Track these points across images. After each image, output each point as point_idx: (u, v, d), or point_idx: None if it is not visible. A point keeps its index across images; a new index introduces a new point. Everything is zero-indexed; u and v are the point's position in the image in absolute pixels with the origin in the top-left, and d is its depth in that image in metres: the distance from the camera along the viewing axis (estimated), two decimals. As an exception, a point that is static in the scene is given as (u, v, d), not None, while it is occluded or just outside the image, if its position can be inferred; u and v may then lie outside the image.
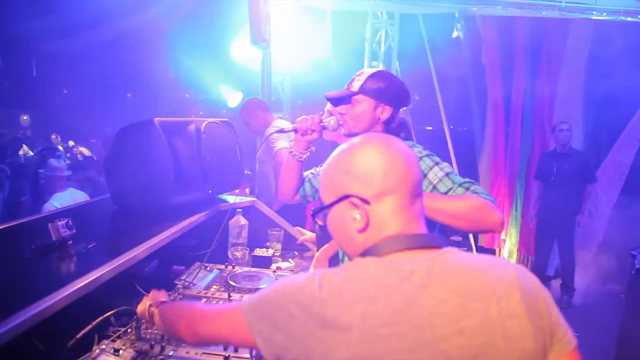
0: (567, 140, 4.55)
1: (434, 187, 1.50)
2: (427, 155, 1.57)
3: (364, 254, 0.86)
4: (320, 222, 0.96)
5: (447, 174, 1.49)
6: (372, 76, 1.64)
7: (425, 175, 1.51)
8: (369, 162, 0.88)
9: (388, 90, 1.62)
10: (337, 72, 6.29)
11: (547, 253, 4.71)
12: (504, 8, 4.12)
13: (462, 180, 1.48)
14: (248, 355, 1.22)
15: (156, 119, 1.96)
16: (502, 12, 4.21)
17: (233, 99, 6.77)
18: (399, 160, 0.88)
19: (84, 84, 11.62)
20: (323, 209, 0.93)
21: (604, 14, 4.09)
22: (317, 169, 1.94)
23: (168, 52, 10.48)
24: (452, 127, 6.01)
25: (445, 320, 0.74)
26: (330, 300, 0.76)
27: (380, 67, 5.44)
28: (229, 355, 1.20)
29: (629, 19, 4.12)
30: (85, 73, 11.24)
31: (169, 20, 9.08)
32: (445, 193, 1.47)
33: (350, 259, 0.91)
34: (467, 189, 1.45)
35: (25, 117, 12.91)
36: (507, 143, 5.53)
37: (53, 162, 3.81)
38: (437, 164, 1.52)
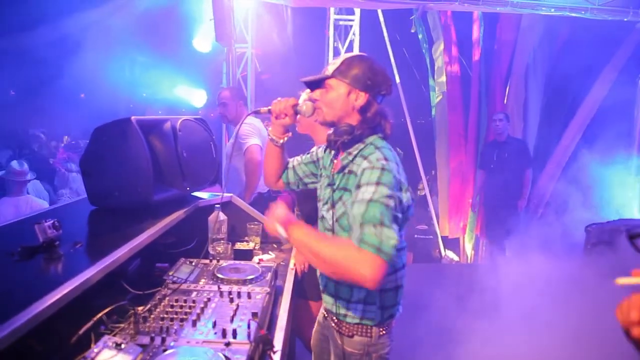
0: (502, 129, 4.90)
1: (352, 203, 1.42)
2: (380, 169, 1.41)
3: None
4: None
5: (370, 201, 1.35)
6: (349, 60, 1.55)
7: (359, 185, 1.41)
8: None
9: (364, 75, 1.51)
10: (300, 67, 6.33)
11: (500, 237, 4.96)
12: (460, 4, 4.29)
13: (372, 218, 1.32)
14: (247, 341, 1.27)
15: (133, 117, 1.95)
16: (458, 7, 4.39)
17: (197, 98, 6.70)
18: None
19: (32, 85, 11.09)
20: None
21: (552, 9, 4.35)
22: (302, 157, 1.89)
23: (122, 49, 10.18)
24: (410, 119, 6.22)
25: None
26: None
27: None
28: (229, 342, 1.24)
29: (573, 14, 4.40)
30: (34, 73, 10.74)
31: (123, 17, 8.82)
32: (351, 216, 1.41)
33: None
34: (362, 226, 1.33)
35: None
36: (466, 134, 5.77)
37: (15, 165, 3.67)
38: (377, 184, 1.38)
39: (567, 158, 5.42)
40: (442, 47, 5.70)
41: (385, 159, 1.45)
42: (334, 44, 5.55)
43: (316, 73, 1.63)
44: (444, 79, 5.74)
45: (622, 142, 5.09)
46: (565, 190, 4.97)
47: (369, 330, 1.57)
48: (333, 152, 1.66)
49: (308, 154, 1.87)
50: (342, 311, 1.58)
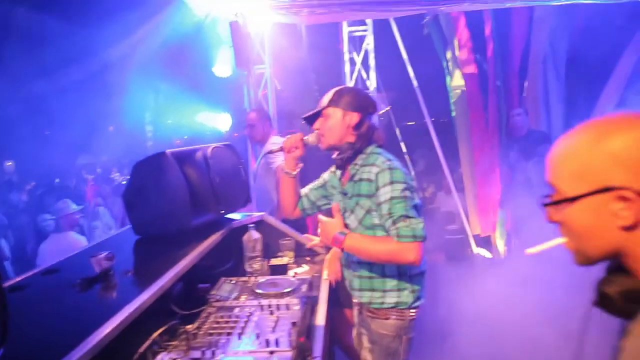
0: (521, 124, 4.92)
1: (378, 205, 1.74)
2: (388, 169, 1.74)
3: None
4: (548, 218, 0.85)
5: (391, 199, 1.69)
6: (338, 91, 1.90)
7: (377, 188, 1.73)
8: None
9: (353, 99, 1.86)
10: (318, 81, 6.49)
11: (531, 229, 4.92)
12: (470, 3, 4.35)
13: (399, 213, 1.67)
14: (289, 348, 1.38)
15: (168, 150, 2.12)
16: (469, 7, 4.44)
17: (221, 121, 6.94)
18: None
19: (63, 123, 11.60)
20: (564, 200, 0.80)
21: (564, -2, 4.35)
22: (312, 184, 2.17)
23: (145, 80, 10.59)
24: (433, 119, 6.26)
25: None
26: None
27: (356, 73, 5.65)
28: (272, 350, 1.36)
29: (588, 1, 4.37)
30: (64, 112, 11.25)
31: (144, 49, 9.19)
32: (380, 216, 1.74)
33: (583, 257, 0.83)
34: (394, 223, 1.67)
35: (9, 163, 12.71)
36: (488, 130, 5.76)
37: (61, 204, 3.96)
38: (391, 183, 1.71)
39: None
40: (456, 46, 5.74)
41: (389, 160, 1.80)
42: (349, 55, 5.68)
43: (334, 85, 1.99)
44: (460, 77, 5.77)
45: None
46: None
47: (403, 313, 1.83)
48: (339, 172, 1.97)
49: (317, 180, 2.16)
50: (379, 300, 1.84)
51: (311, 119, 1.95)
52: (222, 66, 6.07)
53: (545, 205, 0.84)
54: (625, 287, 0.78)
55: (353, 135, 1.85)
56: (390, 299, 1.83)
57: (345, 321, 2.48)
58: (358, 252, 1.77)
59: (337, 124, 1.84)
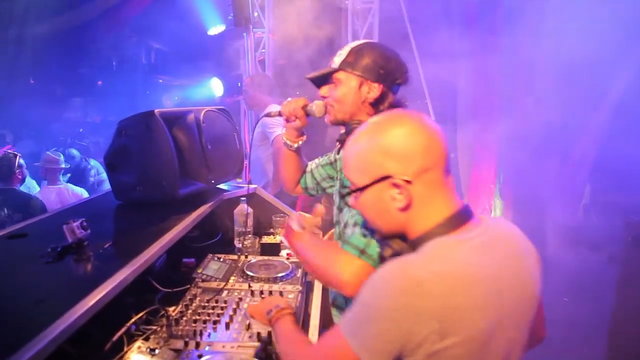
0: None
1: None
2: None
3: (411, 233, 0.92)
4: (350, 204, 0.93)
5: None
6: (356, 49, 1.38)
7: None
8: (408, 139, 0.89)
9: (375, 64, 1.35)
10: (318, 52, 6.22)
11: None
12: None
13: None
14: (283, 346, 1.22)
15: (156, 110, 1.90)
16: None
17: (214, 85, 6.67)
18: (436, 135, 0.91)
19: (50, 73, 11.13)
20: (356, 190, 0.95)
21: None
22: (320, 159, 1.77)
23: (138, 37, 10.17)
24: (430, 100, 6.07)
25: None
26: None
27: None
28: (266, 346, 1.20)
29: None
30: (51, 61, 10.76)
31: (138, 3, 8.77)
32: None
33: (380, 235, 0.97)
34: (345, 239, 1.23)
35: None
36: (491, 115, 5.60)
37: (50, 153, 3.83)
38: None
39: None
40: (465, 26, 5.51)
41: None
42: (352, 27, 5.42)
43: (331, 55, 1.47)
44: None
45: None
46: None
47: None
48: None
49: (326, 155, 1.73)
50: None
51: (318, 81, 1.47)
52: (219, 27, 5.80)
53: (344, 195, 1.04)
54: (395, 250, 0.95)
55: (368, 113, 1.39)
56: None
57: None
58: (298, 256, 1.33)
59: (350, 95, 1.37)
